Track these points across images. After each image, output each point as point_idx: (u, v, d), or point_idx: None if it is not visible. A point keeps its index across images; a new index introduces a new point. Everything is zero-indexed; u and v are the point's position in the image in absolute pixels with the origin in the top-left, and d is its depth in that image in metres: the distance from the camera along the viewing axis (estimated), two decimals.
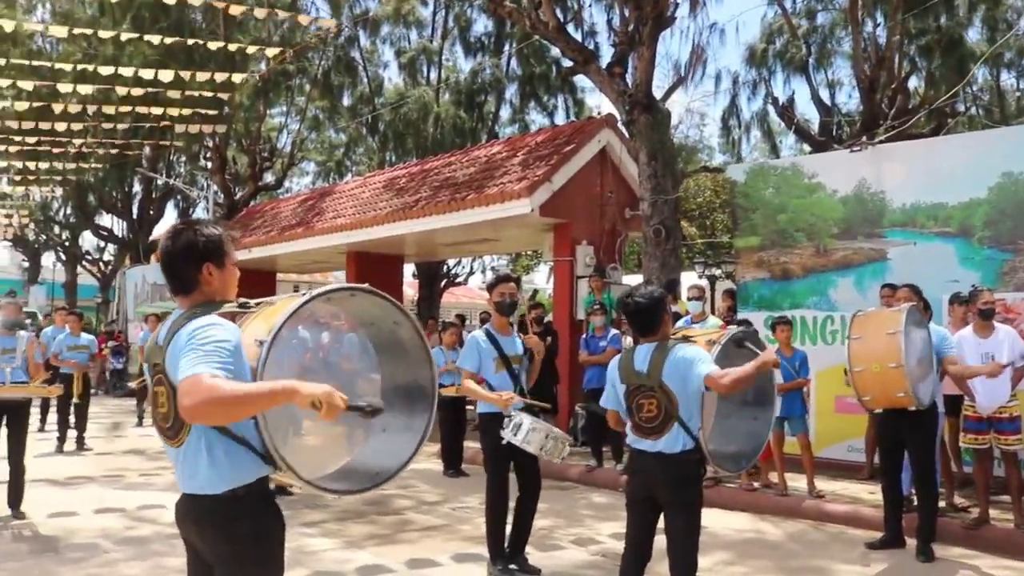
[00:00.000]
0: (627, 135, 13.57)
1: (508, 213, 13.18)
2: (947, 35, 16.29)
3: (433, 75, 24.87)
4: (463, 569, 6.12)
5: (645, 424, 4.21)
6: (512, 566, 5.78)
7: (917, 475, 6.56)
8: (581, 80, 22.94)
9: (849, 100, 20.24)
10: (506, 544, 5.81)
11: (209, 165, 25.37)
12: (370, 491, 3.13)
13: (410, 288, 26.12)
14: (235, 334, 2.65)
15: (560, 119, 22.73)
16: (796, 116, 16.72)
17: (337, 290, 3.02)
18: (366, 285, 3.10)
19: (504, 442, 5.43)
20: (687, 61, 13.43)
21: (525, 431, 5.39)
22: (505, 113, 25.20)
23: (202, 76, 12.70)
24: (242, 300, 2.91)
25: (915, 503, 6.76)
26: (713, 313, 11.99)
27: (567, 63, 16.66)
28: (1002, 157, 8.72)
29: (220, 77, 13.39)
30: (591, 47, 16.76)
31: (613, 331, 10.37)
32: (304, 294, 2.87)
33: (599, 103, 43.72)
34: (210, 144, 24.30)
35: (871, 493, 8.14)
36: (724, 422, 4.61)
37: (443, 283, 27.64)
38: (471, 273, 33.90)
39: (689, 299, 9.38)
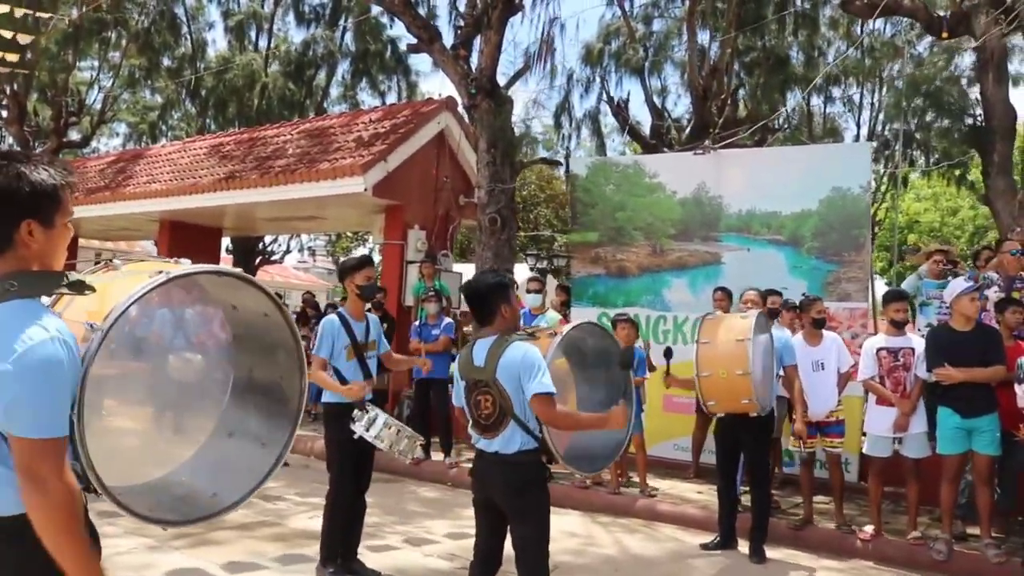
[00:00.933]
0: (467, 120, 13.27)
1: (340, 191, 12.60)
2: (773, 55, 17.03)
3: (262, 42, 23.63)
4: (290, 572, 5.58)
5: (483, 421, 3.87)
6: (351, 571, 5.33)
7: (752, 478, 6.62)
8: (417, 63, 22.42)
9: (676, 106, 20.77)
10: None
11: (5, 114, 22.86)
12: (196, 523, 2.56)
13: (224, 263, 24.63)
14: (62, 335, 1.99)
15: (392, 101, 22.13)
16: (629, 117, 16.98)
17: (200, 273, 2.49)
18: (239, 271, 2.58)
19: (356, 436, 4.97)
20: (535, 51, 13.19)
21: (379, 427, 4.96)
22: (335, 90, 24.32)
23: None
24: (75, 276, 2.13)
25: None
26: None
27: (407, 42, 16.19)
28: (834, 172, 9.05)
29: (22, 13, 11.94)
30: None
31: (447, 319, 10.02)
32: (161, 273, 2.31)
33: (433, 89, 43.19)
34: (7, 90, 21.92)
35: (699, 492, 8.23)
36: None
37: (258, 260, 26.33)
38: (287, 251, 32.46)
39: (528, 292, 9.18)
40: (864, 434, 7.47)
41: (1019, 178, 10.11)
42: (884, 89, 21.06)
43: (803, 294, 8.06)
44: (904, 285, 8.35)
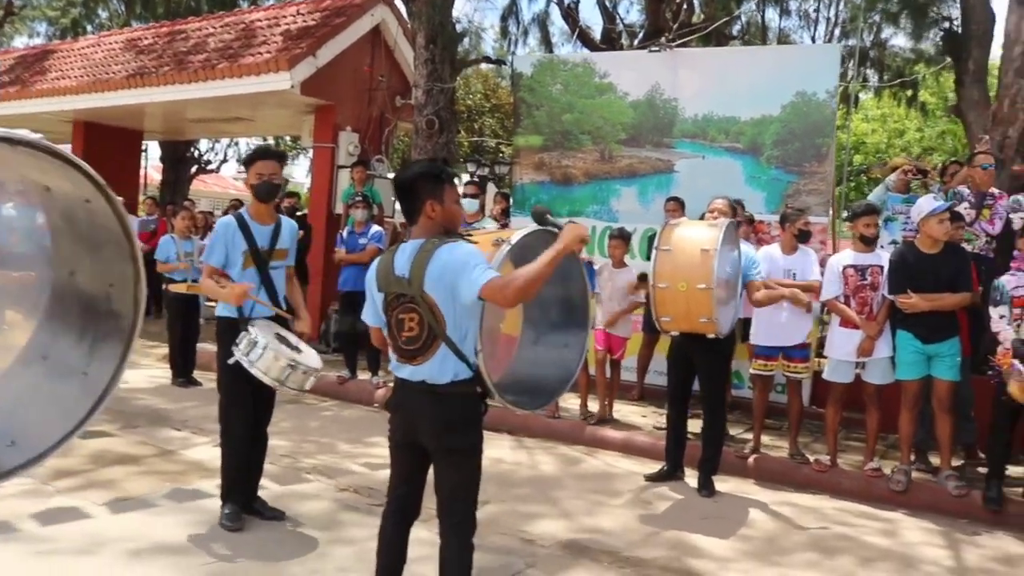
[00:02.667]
0: (406, 15, 12.25)
1: (265, 87, 11.57)
2: None
3: None
4: (183, 510, 4.87)
5: (406, 346, 3.16)
6: (250, 511, 4.65)
7: (707, 405, 6.04)
8: None
9: (629, 13, 19.78)
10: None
11: None
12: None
13: (155, 172, 23.32)
14: None
15: None
16: (579, 20, 16.01)
17: None
18: (34, 137, 1.81)
19: (231, 360, 4.22)
20: None
21: (259, 352, 4.18)
22: None
23: None
24: None
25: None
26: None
27: None
28: (799, 75, 8.35)
29: None
30: None
31: (375, 228, 9.20)
32: None
33: None
34: None
35: (643, 416, 7.70)
36: (528, 350, 3.65)
37: (194, 169, 24.87)
38: (224, 160, 30.70)
39: (464, 196, 8.39)
40: (821, 356, 6.99)
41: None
42: (842, 2, 20.29)
43: (787, 205, 7.52)
44: (870, 198, 7.78)
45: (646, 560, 4.57)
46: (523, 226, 3.46)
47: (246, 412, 4.55)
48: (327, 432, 7.05)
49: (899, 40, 22.46)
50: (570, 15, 16.18)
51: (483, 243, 3.25)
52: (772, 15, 20.70)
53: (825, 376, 6.37)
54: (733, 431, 7.14)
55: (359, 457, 6.22)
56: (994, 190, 7.33)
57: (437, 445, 3.17)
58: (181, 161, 22.02)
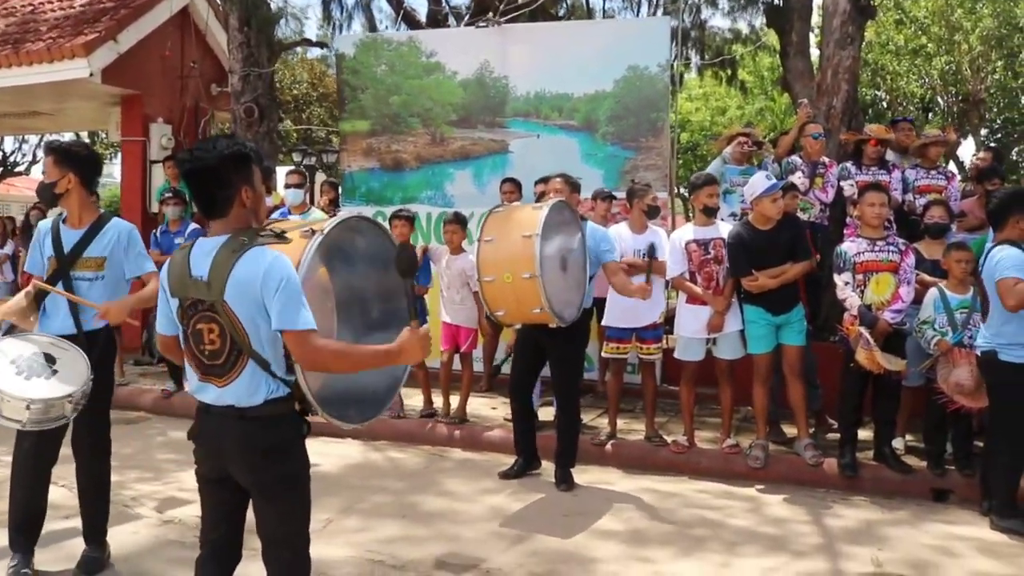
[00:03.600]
0: None
1: (59, 76, 10.43)
2: None
3: None
4: None
5: (208, 361, 2.62)
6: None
7: (559, 395, 5.73)
8: None
9: None
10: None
11: None
12: None
13: None
14: None
15: None
16: (404, 2, 15.44)
17: None
18: None
19: None
20: None
21: None
22: None
23: None
24: None
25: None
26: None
27: None
28: (630, 49, 8.16)
29: None
30: None
31: (193, 225, 8.41)
32: None
33: None
34: None
35: (493, 408, 7.33)
36: None
37: None
38: (34, 161, 27.75)
39: (287, 187, 7.76)
40: (669, 334, 6.84)
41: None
42: None
43: (633, 180, 7.27)
44: (708, 170, 7.69)
45: (510, 572, 4.19)
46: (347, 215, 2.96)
47: (24, 455, 3.84)
48: (153, 456, 6.31)
49: (718, 20, 23.11)
50: None
51: (295, 238, 2.73)
52: None
53: (676, 355, 6.19)
54: (586, 416, 6.87)
55: (190, 481, 5.53)
56: (825, 159, 7.40)
57: (254, 479, 2.64)
58: None
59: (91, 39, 10.27)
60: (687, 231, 6.15)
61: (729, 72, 19.71)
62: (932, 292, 5.63)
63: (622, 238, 6.29)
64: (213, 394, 2.63)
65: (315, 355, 2.51)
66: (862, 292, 5.57)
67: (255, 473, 2.63)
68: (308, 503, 2.75)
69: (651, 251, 5.75)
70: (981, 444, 5.45)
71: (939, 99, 23.26)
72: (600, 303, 6.27)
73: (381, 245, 3.04)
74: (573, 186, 5.66)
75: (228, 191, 2.64)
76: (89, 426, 3.90)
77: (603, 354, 6.51)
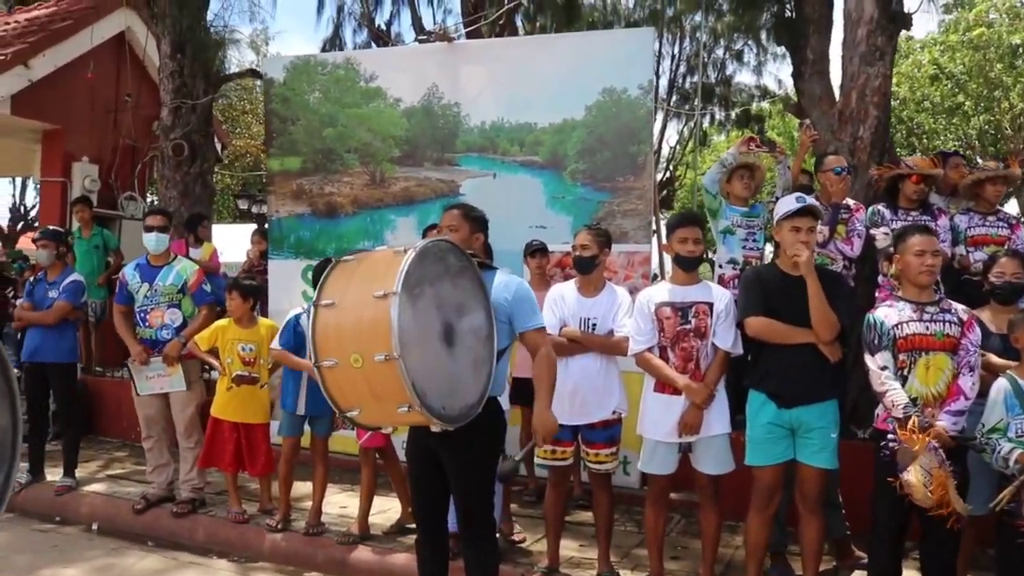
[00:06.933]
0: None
1: None
2: None
3: None
4: None
5: None
6: None
7: (464, 521, 3.85)
8: None
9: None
10: None
11: None
12: None
13: None
14: None
15: None
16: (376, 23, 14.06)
17: None
18: None
19: None
20: None
21: None
22: None
23: None
24: None
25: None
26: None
27: None
28: (604, 68, 6.58)
29: None
30: None
31: (73, 277, 6.80)
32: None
33: None
34: None
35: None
36: None
37: None
38: None
39: (147, 229, 6.02)
40: None
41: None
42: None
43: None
44: (704, 179, 5.98)
45: None
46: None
47: None
48: None
49: (744, 76, 22.08)
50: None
51: None
52: None
53: (641, 467, 4.42)
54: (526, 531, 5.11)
55: None
56: (849, 201, 5.71)
57: None
58: None
59: None
60: (660, 290, 4.43)
61: (756, 129, 18.76)
62: (1000, 384, 3.85)
63: (564, 302, 4.58)
64: None
65: None
66: (904, 379, 3.82)
67: None
68: None
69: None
70: None
71: (978, 159, 21.74)
72: (525, 385, 4.45)
73: None
74: (475, 222, 3.90)
75: None
76: None
77: (537, 460, 4.75)
